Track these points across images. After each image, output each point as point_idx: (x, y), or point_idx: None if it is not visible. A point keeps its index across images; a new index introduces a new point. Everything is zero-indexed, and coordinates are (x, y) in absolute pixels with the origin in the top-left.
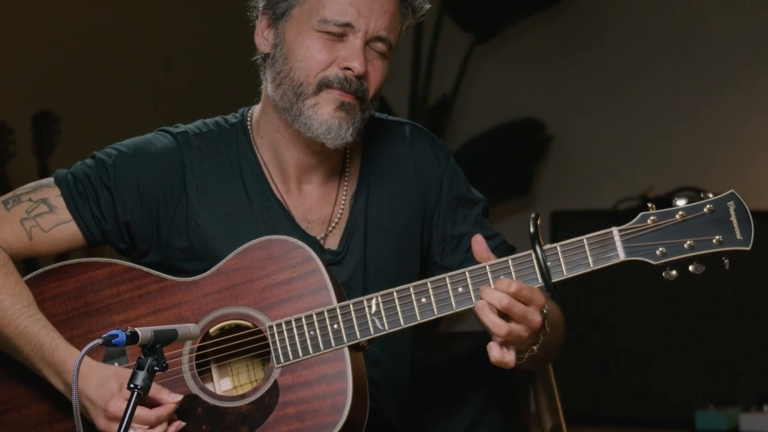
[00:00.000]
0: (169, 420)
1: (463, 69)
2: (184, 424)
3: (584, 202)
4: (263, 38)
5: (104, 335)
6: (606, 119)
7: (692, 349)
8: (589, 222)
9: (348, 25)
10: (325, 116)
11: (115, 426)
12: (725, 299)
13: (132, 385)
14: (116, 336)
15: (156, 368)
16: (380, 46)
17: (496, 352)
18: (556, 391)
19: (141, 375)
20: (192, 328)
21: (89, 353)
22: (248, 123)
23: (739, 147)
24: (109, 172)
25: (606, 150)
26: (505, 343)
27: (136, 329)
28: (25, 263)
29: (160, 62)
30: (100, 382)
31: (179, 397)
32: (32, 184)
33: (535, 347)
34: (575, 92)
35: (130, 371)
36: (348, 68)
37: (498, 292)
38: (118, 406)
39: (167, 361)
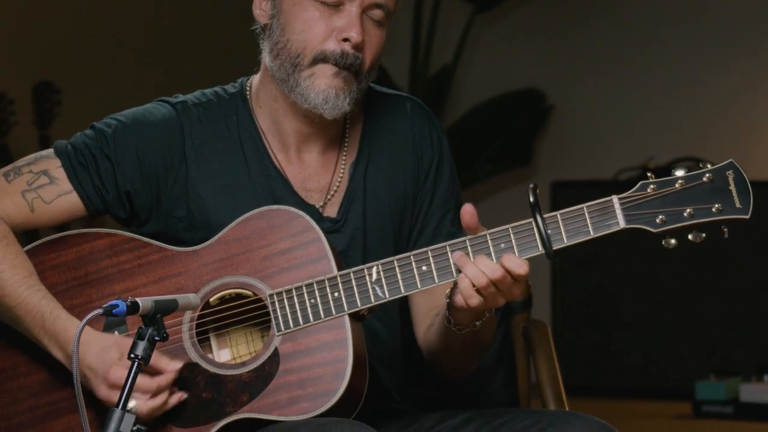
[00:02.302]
0: (171, 391)
1: (464, 39)
2: (186, 395)
3: (584, 172)
4: (261, 9)
5: (105, 305)
6: (606, 89)
7: (693, 319)
8: (590, 192)
9: None
10: (323, 86)
11: (116, 394)
12: (726, 270)
13: (132, 355)
14: (117, 306)
15: (156, 338)
16: (378, 13)
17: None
18: (556, 362)
19: (141, 345)
20: (192, 298)
21: (89, 323)
22: (247, 93)
23: (740, 117)
24: (109, 141)
25: (606, 120)
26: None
27: (137, 299)
28: (25, 235)
29: (161, 33)
30: (101, 351)
31: (179, 365)
32: (32, 156)
33: (477, 323)
34: (576, 62)
35: (130, 340)
36: (346, 39)
37: (479, 272)
38: (118, 374)
39: (167, 330)
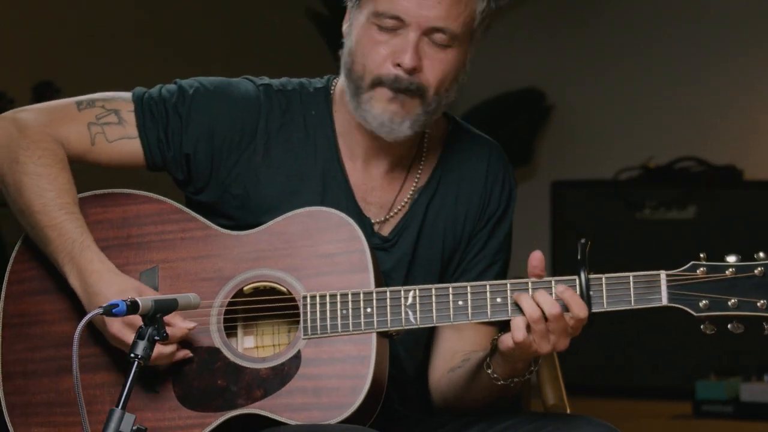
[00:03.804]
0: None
1: None
2: (190, 353)
3: (585, 172)
4: (346, 23)
5: (104, 305)
6: (606, 88)
7: (693, 318)
8: (590, 192)
9: (398, 18)
10: (378, 110)
11: (128, 332)
12: None
13: (132, 355)
14: (117, 306)
15: (156, 338)
16: (440, 37)
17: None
18: (557, 362)
19: (141, 344)
20: (192, 297)
21: (119, 267)
22: (332, 91)
23: (740, 117)
24: (186, 101)
25: (607, 119)
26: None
27: (137, 299)
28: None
29: (161, 33)
30: (121, 291)
31: (192, 325)
32: (110, 94)
33: (515, 380)
34: (576, 61)
35: (150, 289)
36: (399, 64)
37: (534, 305)
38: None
39: (198, 311)
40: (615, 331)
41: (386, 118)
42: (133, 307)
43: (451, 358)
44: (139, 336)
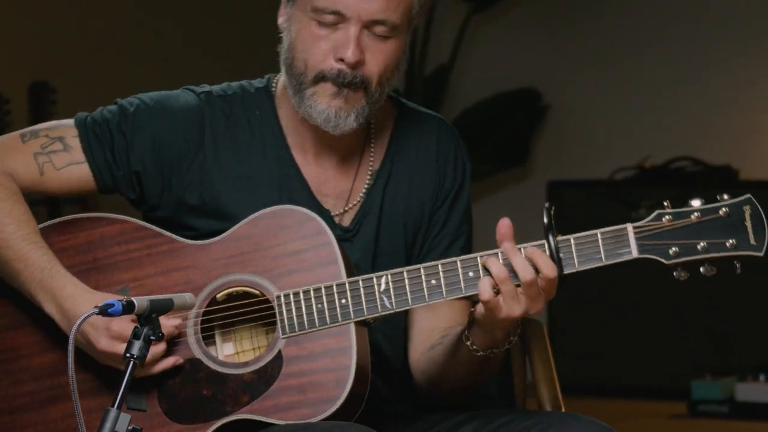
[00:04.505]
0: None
1: (460, 38)
2: (180, 360)
3: (581, 172)
4: (282, 19)
5: (100, 305)
6: (603, 88)
7: (688, 318)
8: (586, 191)
9: (338, 13)
10: (323, 106)
11: (118, 345)
12: (723, 269)
13: (128, 355)
14: (112, 305)
15: (152, 338)
16: (381, 29)
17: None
18: (552, 362)
19: (137, 344)
20: (188, 297)
21: (81, 288)
22: (273, 89)
23: (738, 117)
24: (128, 119)
25: (603, 119)
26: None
27: (133, 299)
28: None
29: (159, 32)
30: None
31: (177, 321)
32: (52, 122)
33: (495, 350)
34: (572, 61)
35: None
36: (341, 58)
37: (502, 267)
38: (121, 325)
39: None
40: (610, 331)
41: (331, 113)
42: (129, 307)
43: (429, 337)
44: (135, 336)
